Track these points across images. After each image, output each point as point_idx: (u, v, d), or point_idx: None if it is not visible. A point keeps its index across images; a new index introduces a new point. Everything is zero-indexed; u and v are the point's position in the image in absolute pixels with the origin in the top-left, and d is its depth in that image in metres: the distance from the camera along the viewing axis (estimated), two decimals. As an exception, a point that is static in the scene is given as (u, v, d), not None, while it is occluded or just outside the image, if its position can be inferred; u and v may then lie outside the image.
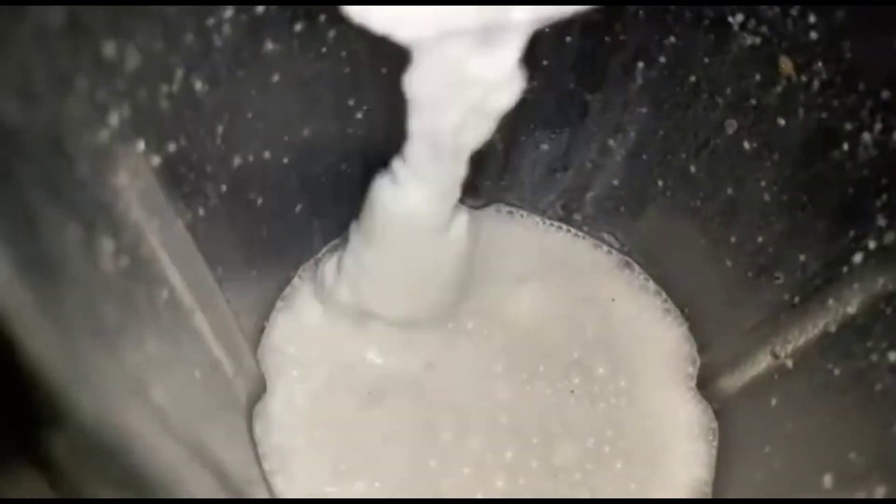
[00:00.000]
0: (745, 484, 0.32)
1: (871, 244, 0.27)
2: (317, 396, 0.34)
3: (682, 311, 0.37)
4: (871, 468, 0.25)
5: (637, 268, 0.39)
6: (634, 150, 0.35)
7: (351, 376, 0.35)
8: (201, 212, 0.25)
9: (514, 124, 0.36)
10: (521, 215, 0.40)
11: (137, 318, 0.18)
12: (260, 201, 0.29)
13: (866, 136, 0.27)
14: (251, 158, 0.27)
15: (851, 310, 0.28)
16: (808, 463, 0.28)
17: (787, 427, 0.30)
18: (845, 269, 0.28)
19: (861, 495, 0.25)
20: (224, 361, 0.27)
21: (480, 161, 0.37)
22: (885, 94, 0.26)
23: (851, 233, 0.28)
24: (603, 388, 0.36)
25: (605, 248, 0.39)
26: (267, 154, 0.28)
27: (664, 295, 0.38)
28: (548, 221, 0.40)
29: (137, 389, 0.15)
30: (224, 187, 0.26)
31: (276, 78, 0.27)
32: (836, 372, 0.28)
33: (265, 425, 0.32)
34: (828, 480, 0.27)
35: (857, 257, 0.28)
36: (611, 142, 0.35)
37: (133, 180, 0.20)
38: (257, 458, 0.31)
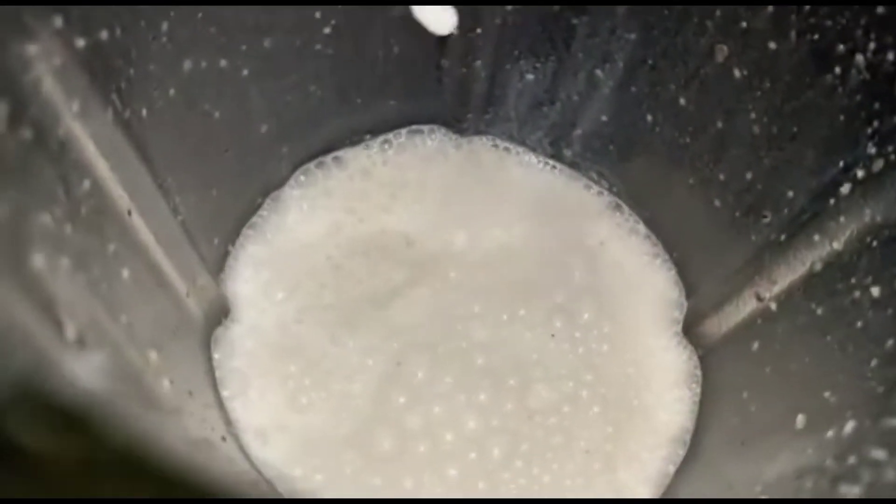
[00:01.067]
0: (723, 430, 0.31)
1: (860, 173, 0.26)
2: (284, 326, 0.33)
3: (671, 256, 0.36)
4: (842, 406, 0.24)
5: (627, 210, 0.37)
6: (623, 81, 0.33)
7: (322, 308, 0.34)
8: (144, 112, 0.24)
9: (498, 51, 0.34)
10: (518, 152, 0.38)
11: (33, 189, 0.17)
12: (217, 115, 0.28)
13: (859, 58, 0.25)
14: (204, 64, 0.26)
15: (837, 245, 0.27)
16: (782, 405, 0.27)
17: (766, 371, 0.29)
18: (832, 201, 0.27)
19: (831, 433, 0.23)
20: (172, 276, 0.26)
21: (463, 92, 0.36)
22: (881, 10, 0.24)
23: (840, 163, 0.27)
24: (586, 334, 0.35)
25: (596, 189, 0.38)
26: (223, 62, 0.27)
27: (654, 238, 0.37)
28: (542, 159, 0.38)
29: (3, 246, 0.14)
30: (172, 91, 0.25)
31: (229, -23, 0.25)
32: (819, 312, 0.27)
33: (225, 350, 0.31)
34: (800, 421, 0.26)
35: (845, 188, 0.26)
36: (598, 72, 0.34)
37: (48, 56, 0.19)
38: (214, 384, 0.30)
